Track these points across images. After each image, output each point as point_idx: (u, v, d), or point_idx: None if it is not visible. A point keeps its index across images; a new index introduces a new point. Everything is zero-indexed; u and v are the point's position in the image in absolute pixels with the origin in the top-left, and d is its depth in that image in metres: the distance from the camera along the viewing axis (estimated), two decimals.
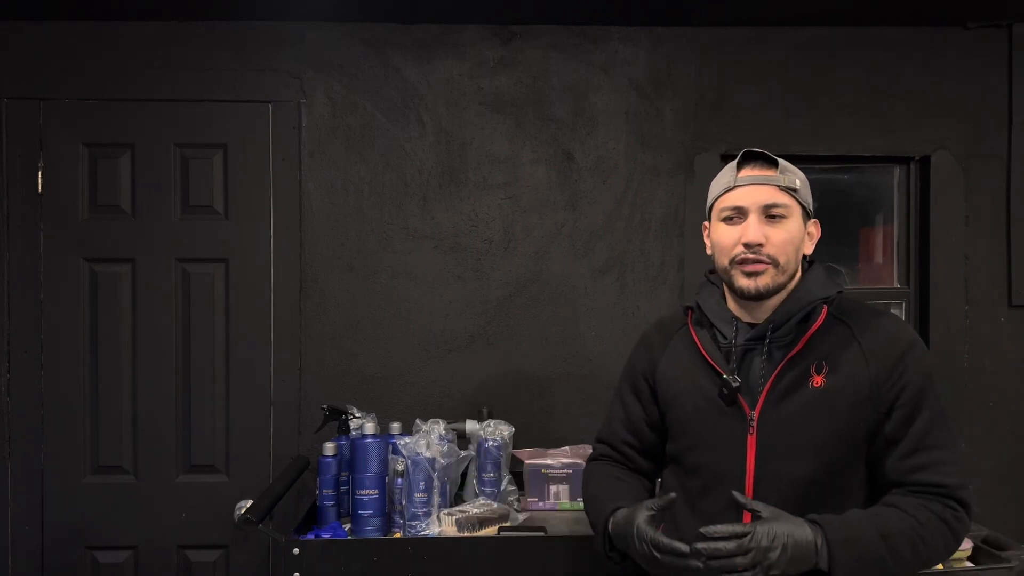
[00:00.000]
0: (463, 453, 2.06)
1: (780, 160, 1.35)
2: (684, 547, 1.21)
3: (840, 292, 1.39)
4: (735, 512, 1.29)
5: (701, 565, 1.18)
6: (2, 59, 2.38)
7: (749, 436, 1.32)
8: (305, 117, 2.45)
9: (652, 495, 1.53)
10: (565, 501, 2.12)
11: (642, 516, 1.29)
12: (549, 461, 2.11)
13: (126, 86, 2.41)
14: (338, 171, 2.46)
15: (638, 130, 2.49)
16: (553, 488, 2.10)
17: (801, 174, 1.37)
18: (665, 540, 1.24)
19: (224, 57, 2.43)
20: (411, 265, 2.46)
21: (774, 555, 1.16)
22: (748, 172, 1.34)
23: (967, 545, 1.87)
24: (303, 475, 2.25)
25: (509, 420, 2.17)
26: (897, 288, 2.59)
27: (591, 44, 2.48)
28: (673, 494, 1.32)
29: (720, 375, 1.35)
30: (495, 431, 2.07)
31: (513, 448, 2.14)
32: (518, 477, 2.12)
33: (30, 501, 2.39)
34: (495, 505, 1.97)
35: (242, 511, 1.87)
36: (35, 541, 2.39)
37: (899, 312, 2.60)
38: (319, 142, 2.45)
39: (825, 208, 2.62)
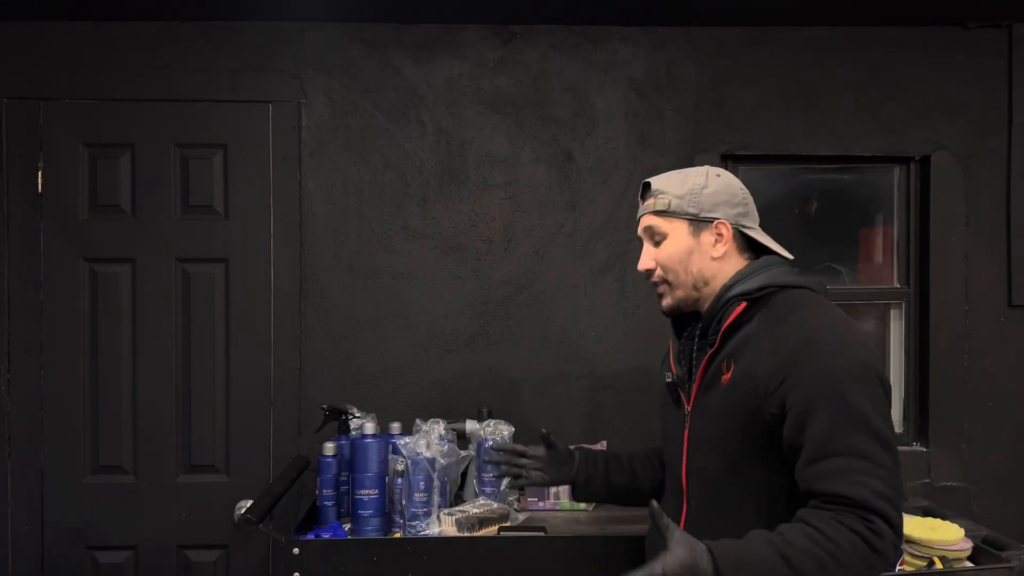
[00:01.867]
0: (463, 453, 2.06)
1: (655, 183, 1.44)
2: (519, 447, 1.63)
3: (784, 288, 1.34)
4: (678, 500, 1.40)
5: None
6: (2, 59, 2.38)
7: (684, 430, 1.40)
8: (305, 117, 2.45)
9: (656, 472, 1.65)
10: (565, 501, 2.12)
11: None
12: None
13: (126, 86, 2.40)
14: (338, 171, 2.46)
15: (638, 130, 2.49)
16: (553, 488, 2.10)
17: (680, 186, 1.41)
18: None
19: (224, 57, 2.43)
20: (411, 265, 2.46)
21: None
22: (640, 204, 1.47)
23: (967, 545, 1.87)
24: (303, 475, 2.25)
25: (509, 420, 2.17)
26: (897, 288, 2.59)
27: (591, 44, 2.48)
28: (544, 429, 1.64)
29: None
30: (495, 431, 2.08)
31: None
32: None
33: (30, 501, 2.39)
34: (495, 505, 1.97)
35: (242, 511, 1.87)
36: (35, 541, 2.39)
37: (899, 312, 2.60)
38: (319, 142, 2.45)
39: (825, 208, 2.62)
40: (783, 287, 1.36)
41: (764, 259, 1.42)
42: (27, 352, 2.40)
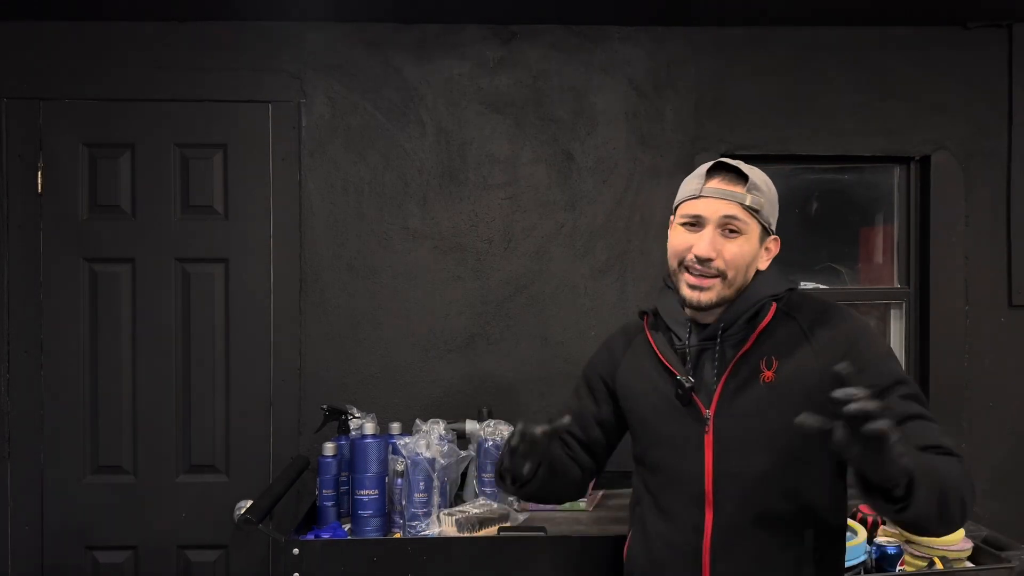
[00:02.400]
0: (463, 453, 2.06)
1: (751, 177, 1.34)
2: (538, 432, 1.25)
3: (791, 289, 1.40)
4: (697, 510, 1.33)
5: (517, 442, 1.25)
6: (2, 59, 2.38)
7: (706, 435, 1.34)
8: (305, 117, 2.45)
9: (581, 488, 1.58)
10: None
11: (532, 422, 1.30)
12: None
13: (126, 86, 2.40)
14: (338, 171, 2.46)
15: (638, 130, 2.49)
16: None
17: (771, 193, 1.37)
18: (532, 427, 1.26)
19: (224, 57, 2.43)
20: (411, 265, 2.46)
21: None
22: (716, 184, 1.35)
23: (967, 545, 1.87)
24: (303, 475, 2.25)
25: (509, 420, 2.17)
26: (897, 288, 2.59)
27: (591, 44, 2.48)
28: (568, 418, 1.30)
29: (675, 376, 1.38)
30: (495, 431, 2.07)
31: None
32: None
33: (30, 501, 2.39)
34: (495, 505, 1.97)
35: (242, 511, 1.87)
36: (35, 541, 2.39)
37: (899, 312, 2.60)
38: (319, 142, 2.45)
39: (825, 208, 2.62)
40: (790, 289, 1.41)
41: (774, 266, 1.42)
42: (27, 352, 2.40)
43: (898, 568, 1.84)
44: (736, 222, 1.32)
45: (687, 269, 1.35)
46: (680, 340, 1.41)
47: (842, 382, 1.02)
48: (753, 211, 1.33)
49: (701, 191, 1.35)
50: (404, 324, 2.46)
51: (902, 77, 2.50)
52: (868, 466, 1.04)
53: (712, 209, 1.33)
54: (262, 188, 2.44)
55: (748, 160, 2.55)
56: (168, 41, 2.42)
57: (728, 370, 1.34)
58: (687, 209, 1.37)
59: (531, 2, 2.32)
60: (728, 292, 1.34)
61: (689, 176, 1.42)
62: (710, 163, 1.38)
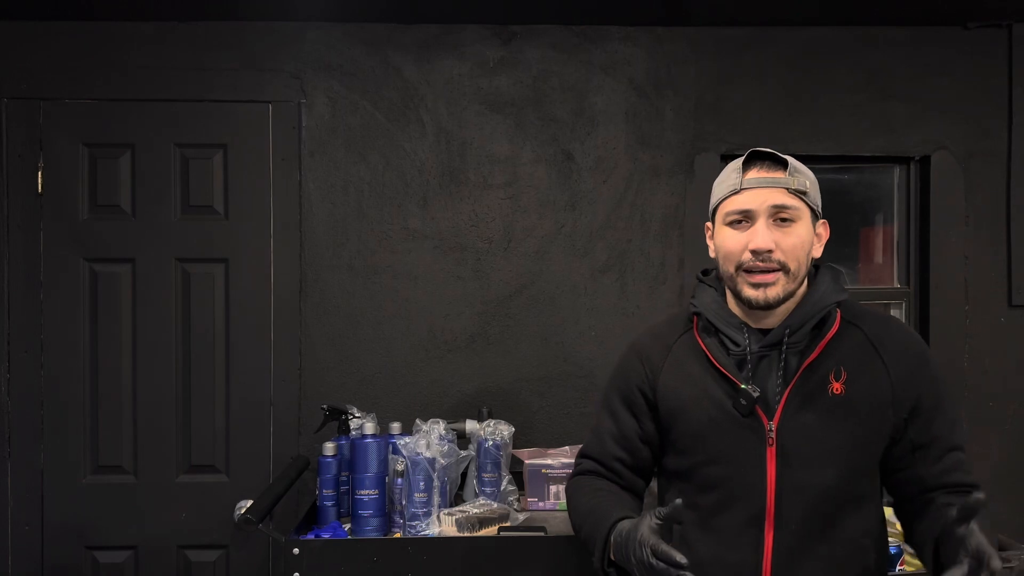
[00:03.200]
0: (463, 453, 2.06)
1: (790, 160, 1.28)
2: (682, 558, 1.12)
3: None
4: (756, 528, 1.26)
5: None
6: (2, 59, 2.38)
7: (768, 448, 1.26)
8: (305, 117, 2.45)
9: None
10: (565, 501, 2.11)
11: (646, 523, 1.19)
12: (549, 461, 2.11)
13: (126, 86, 2.40)
14: (338, 171, 2.46)
15: (638, 130, 2.49)
16: (553, 488, 2.10)
17: (811, 174, 1.31)
18: (664, 547, 1.14)
19: (224, 57, 2.43)
20: (411, 265, 2.46)
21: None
22: (755, 174, 1.27)
23: None
24: (303, 475, 2.25)
25: (509, 420, 2.17)
26: (897, 288, 2.59)
27: (591, 44, 2.48)
28: (679, 500, 1.17)
29: (733, 384, 1.28)
30: (495, 431, 2.07)
31: (513, 448, 2.14)
32: (518, 477, 2.12)
33: (30, 501, 2.39)
34: (495, 505, 1.97)
35: (242, 511, 1.87)
36: (35, 541, 2.39)
37: (899, 312, 2.60)
38: (319, 142, 2.45)
39: (825, 208, 2.60)
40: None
41: (827, 268, 1.37)
42: (27, 352, 2.40)
43: (898, 568, 1.84)
44: (787, 210, 1.25)
45: (746, 270, 1.27)
46: (737, 345, 1.30)
47: (969, 512, 1.10)
48: (800, 194, 1.26)
49: (742, 184, 1.27)
50: (404, 324, 2.46)
51: (902, 77, 2.50)
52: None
53: (759, 200, 1.25)
54: (262, 188, 2.44)
55: None
56: (168, 41, 2.42)
57: (795, 379, 1.27)
58: (731, 206, 1.28)
59: (531, 2, 2.32)
60: (793, 286, 1.27)
61: (722, 173, 1.34)
62: (742, 156, 1.30)
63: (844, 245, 2.63)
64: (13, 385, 2.39)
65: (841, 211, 2.62)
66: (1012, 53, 2.49)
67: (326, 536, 1.84)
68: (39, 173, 2.40)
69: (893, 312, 2.61)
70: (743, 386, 1.27)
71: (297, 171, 2.44)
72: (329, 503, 1.96)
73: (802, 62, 2.49)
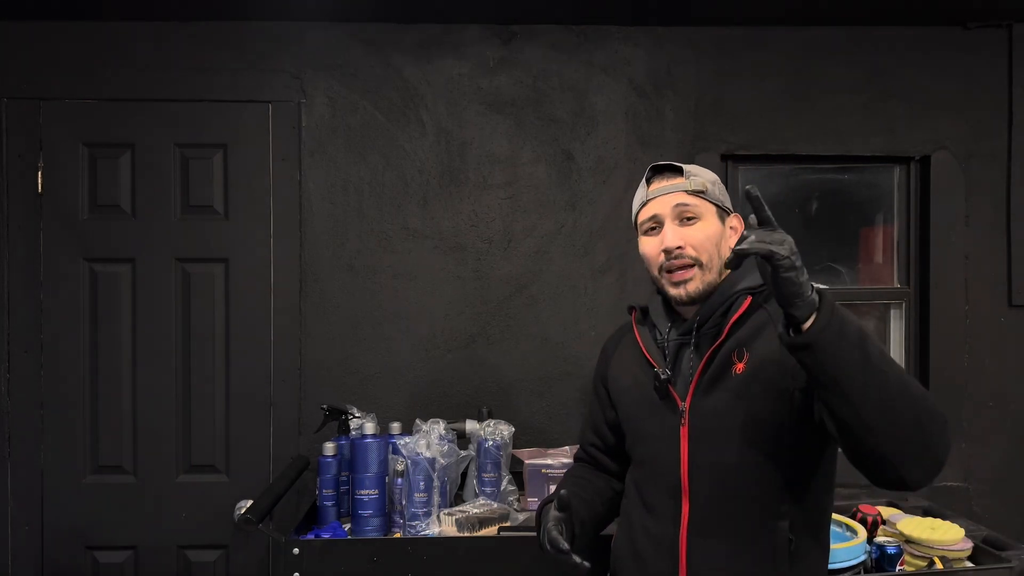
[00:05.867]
0: (463, 453, 2.07)
1: (685, 167, 1.41)
2: (565, 545, 1.32)
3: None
4: (675, 502, 1.36)
5: (579, 562, 1.29)
6: (2, 59, 2.38)
7: (682, 427, 1.36)
8: (305, 117, 2.45)
9: (618, 493, 1.57)
10: None
11: (551, 510, 1.40)
12: (549, 461, 2.11)
13: (126, 86, 2.41)
14: (338, 171, 2.46)
15: (638, 130, 2.49)
16: (553, 488, 2.10)
17: (710, 175, 1.42)
18: (554, 533, 1.34)
19: (224, 57, 2.43)
20: (411, 265, 2.46)
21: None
22: (657, 184, 1.41)
23: (967, 545, 1.87)
24: (303, 475, 2.25)
25: (509, 420, 2.17)
26: (897, 288, 2.59)
27: (591, 44, 2.48)
28: (564, 491, 1.39)
29: (654, 369, 1.42)
30: (495, 431, 2.07)
31: (513, 448, 2.14)
32: (518, 477, 2.12)
33: (30, 501, 2.39)
34: (495, 505, 1.97)
35: (242, 511, 1.87)
36: (35, 541, 2.39)
37: (899, 312, 2.60)
38: (319, 142, 2.45)
39: (825, 208, 2.62)
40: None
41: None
42: (27, 352, 2.40)
43: (898, 568, 1.84)
44: (689, 207, 1.38)
45: (667, 271, 1.39)
46: (662, 335, 1.45)
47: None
48: (699, 193, 1.38)
49: (648, 196, 1.42)
50: (404, 324, 2.46)
51: (902, 77, 2.50)
52: (776, 292, 1.09)
53: (664, 205, 1.39)
54: (262, 188, 2.44)
55: (748, 160, 2.58)
56: (168, 41, 2.42)
57: (703, 363, 1.36)
58: (643, 216, 1.43)
59: (531, 2, 2.32)
60: (710, 277, 1.38)
61: (637, 190, 1.48)
62: (646, 172, 1.44)
63: (844, 245, 2.63)
64: (13, 385, 2.39)
65: (841, 211, 2.62)
66: (1012, 53, 2.49)
67: (326, 536, 1.85)
68: (39, 173, 2.40)
69: (893, 312, 2.61)
70: (656, 369, 1.40)
71: (297, 171, 2.44)
72: (329, 503, 1.96)
73: (802, 62, 2.49)
